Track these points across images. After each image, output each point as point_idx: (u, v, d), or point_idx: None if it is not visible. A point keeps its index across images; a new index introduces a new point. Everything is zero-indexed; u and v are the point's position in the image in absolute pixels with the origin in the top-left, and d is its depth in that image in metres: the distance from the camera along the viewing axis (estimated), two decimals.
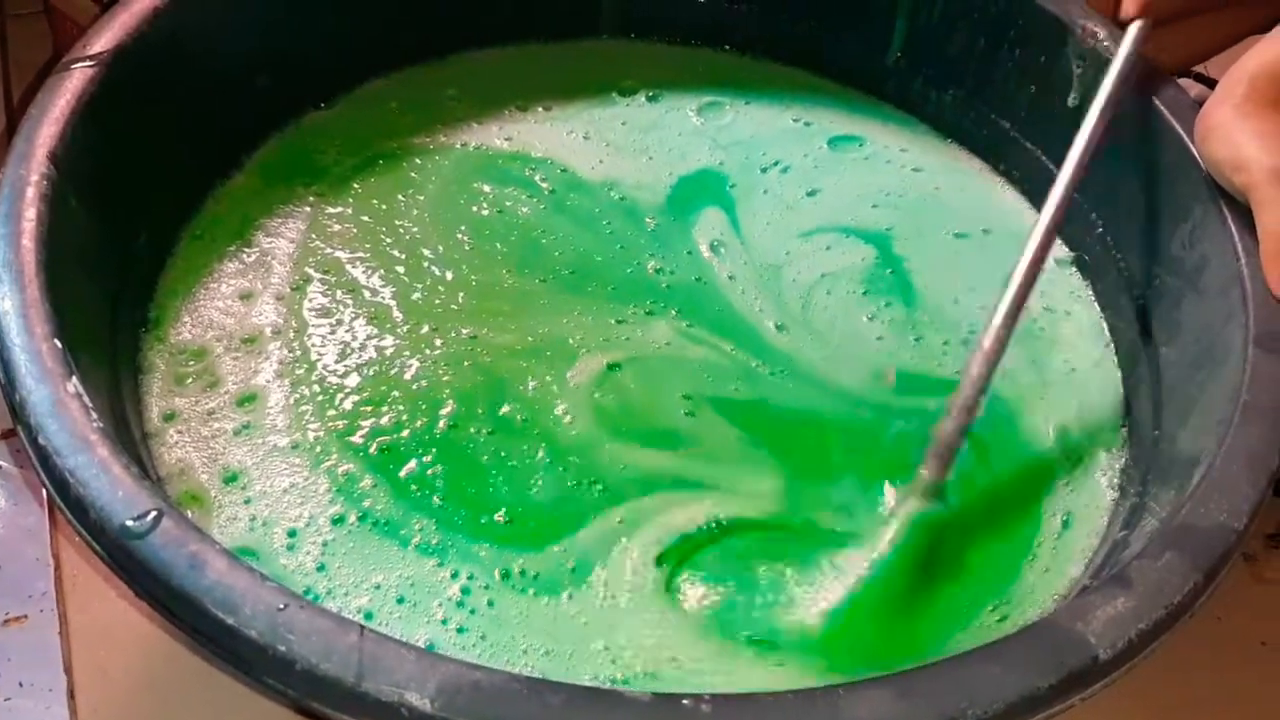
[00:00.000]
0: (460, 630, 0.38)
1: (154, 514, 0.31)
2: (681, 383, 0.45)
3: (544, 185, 0.52)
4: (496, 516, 0.41)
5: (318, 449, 0.42)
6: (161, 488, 0.40)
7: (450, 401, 0.44)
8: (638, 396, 0.45)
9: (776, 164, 0.55)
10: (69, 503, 0.32)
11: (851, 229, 0.53)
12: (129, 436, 0.39)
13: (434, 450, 0.42)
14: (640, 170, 0.54)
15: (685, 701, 0.29)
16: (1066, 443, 0.46)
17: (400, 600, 0.39)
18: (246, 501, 0.40)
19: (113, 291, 0.42)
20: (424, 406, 0.44)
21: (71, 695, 0.42)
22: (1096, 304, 0.50)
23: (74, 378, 0.34)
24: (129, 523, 0.31)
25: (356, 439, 0.42)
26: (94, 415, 0.33)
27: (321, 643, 0.29)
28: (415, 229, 0.50)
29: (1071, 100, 0.50)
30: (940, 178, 0.55)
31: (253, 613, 0.29)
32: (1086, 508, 0.43)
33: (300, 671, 0.29)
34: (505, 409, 0.44)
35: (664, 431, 0.44)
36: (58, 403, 0.33)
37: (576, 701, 0.29)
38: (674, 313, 0.48)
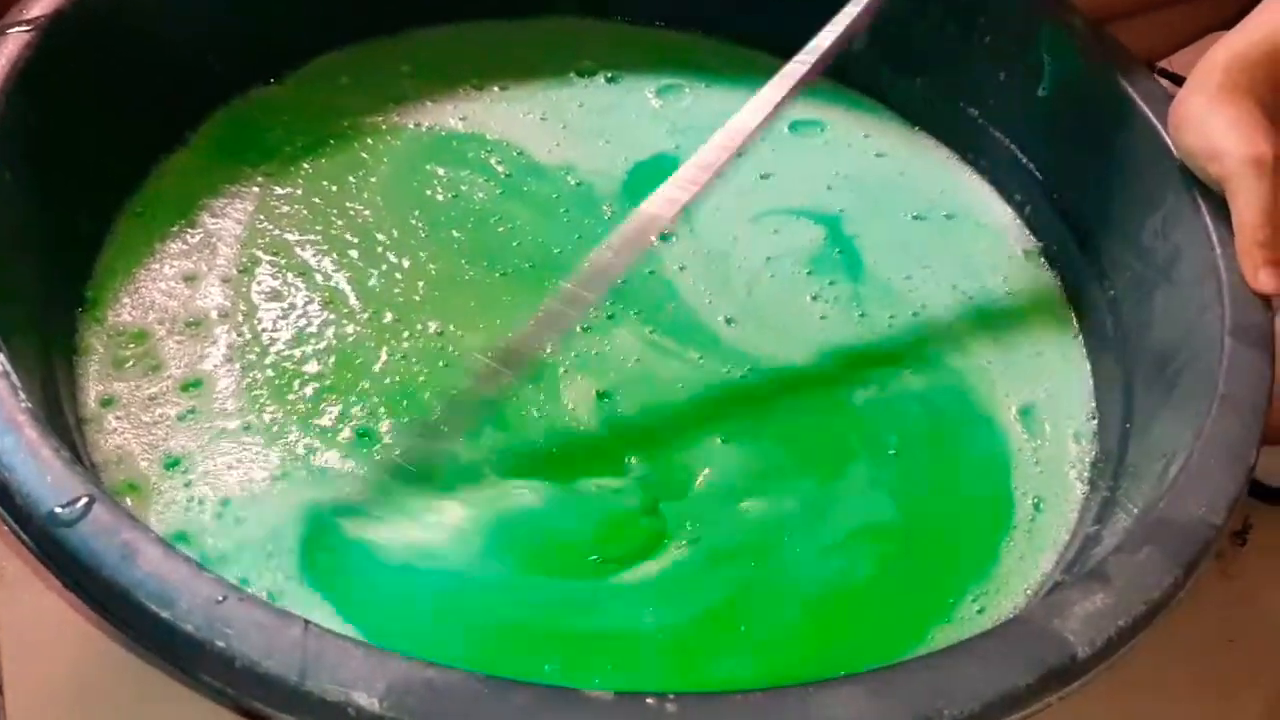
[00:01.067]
0: None
1: (85, 500, 0.29)
2: (667, 398, 0.44)
3: (500, 169, 0.51)
4: None
5: (274, 428, 0.40)
6: (96, 475, 0.38)
7: (435, 402, 0.42)
8: (637, 420, 0.43)
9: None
10: None
11: (803, 210, 0.52)
12: (62, 422, 0.37)
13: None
14: (597, 155, 0.52)
15: (649, 700, 0.27)
16: (1032, 428, 0.45)
17: None
18: (186, 484, 0.39)
19: (47, 269, 0.40)
20: (404, 403, 0.42)
21: (0, 691, 0.40)
22: (1065, 294, 0.49)
23: (2, 356, 0.32)
24: (57, 509, 0.29)
25: (325, 422, 0.41)
26: (23, 396, 0.31)
27: (263, 638, 0.27)
28: (368, 212, 0.48)
29: (1041, 91, 0.50)
30: (904, 164, 0.54)
31: (189, 606, 0.28)
32: (1056, 498, 0.43)
33: (240, 669, 0.27)
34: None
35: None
36: None
37: (536, 701, 0.27)
38: (634, 315, 0.46)
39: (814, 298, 0.49)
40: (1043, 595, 0.38)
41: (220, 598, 0.28)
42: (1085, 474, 0.43)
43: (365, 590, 0.37)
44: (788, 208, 0.52)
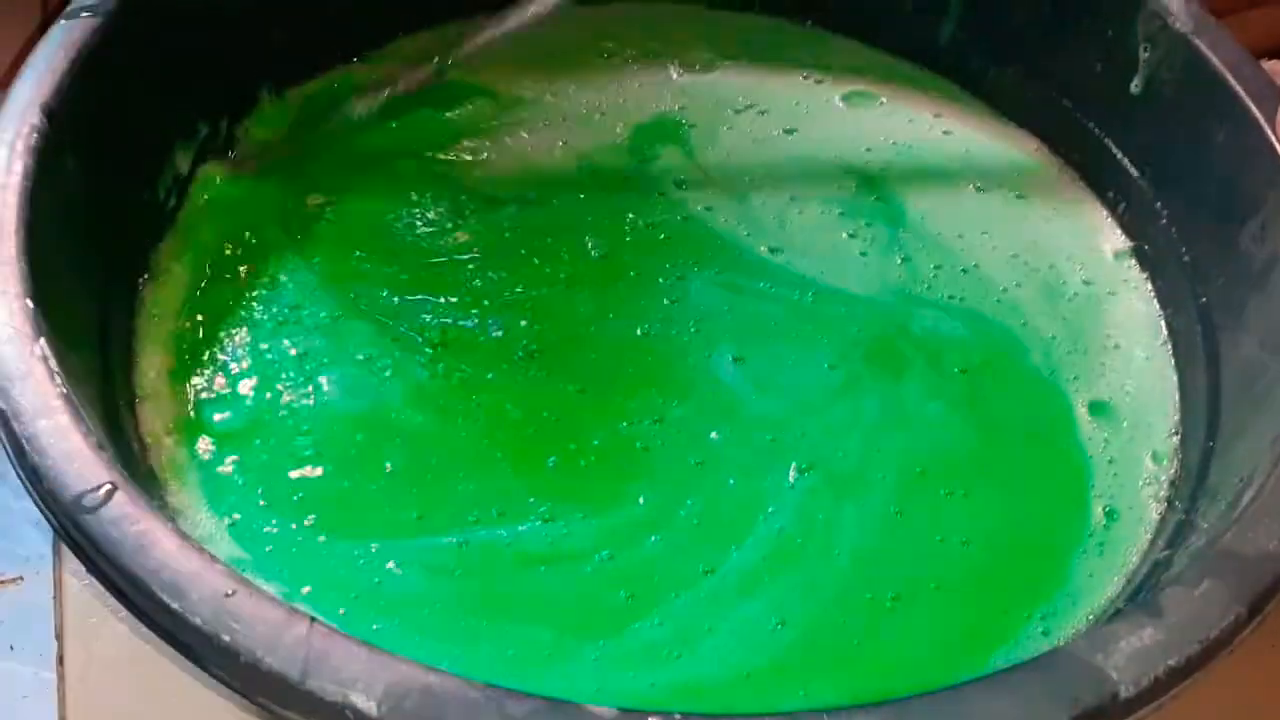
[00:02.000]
0: None
1: (108, 487, 0.30)
2: (784, 342, 0.44)
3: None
4: None
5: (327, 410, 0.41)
6: (144, 455, 0.38)
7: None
8: (782, 367, 0.43)
9: (752, 106, 0.53)
10: (25, 469, 0.31)
11: (832, 162, 0.50)
12: (112, 400, 0.38)
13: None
14: (595, 130, 0.51)
15: (653, 718, 0.27)
16: (1107, 426, 0.43)
17: None
18: (231, 463, 0.39)
19: (108, 248, 0.41)
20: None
21: (60, 661, 0.41)
22: (1156, 300, 0.47)
23: (42, 340, 0.32)
24: (81, 495, 0.29)
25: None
26: (59, 380, 0.32)
27: (267, 634, 0.27)
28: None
29: (1135, 86, 0.47)
30: (976, 143, 0.52)
31: (199, 598, 0.28)
32: (1129, 514, 0.40)
33: (244, 664, 0.27)
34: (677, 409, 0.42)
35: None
36: (22, 365, 0.32)
37: (534, 713, 0.27)
38: (696, 267, 0.46)
39: (851, 235, 0.48)
40: (1097, 625, 0.36)
41: (229, 591, 0.28)
42: (1162, 493, 0.41)
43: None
44: (814, 157, 0.51)
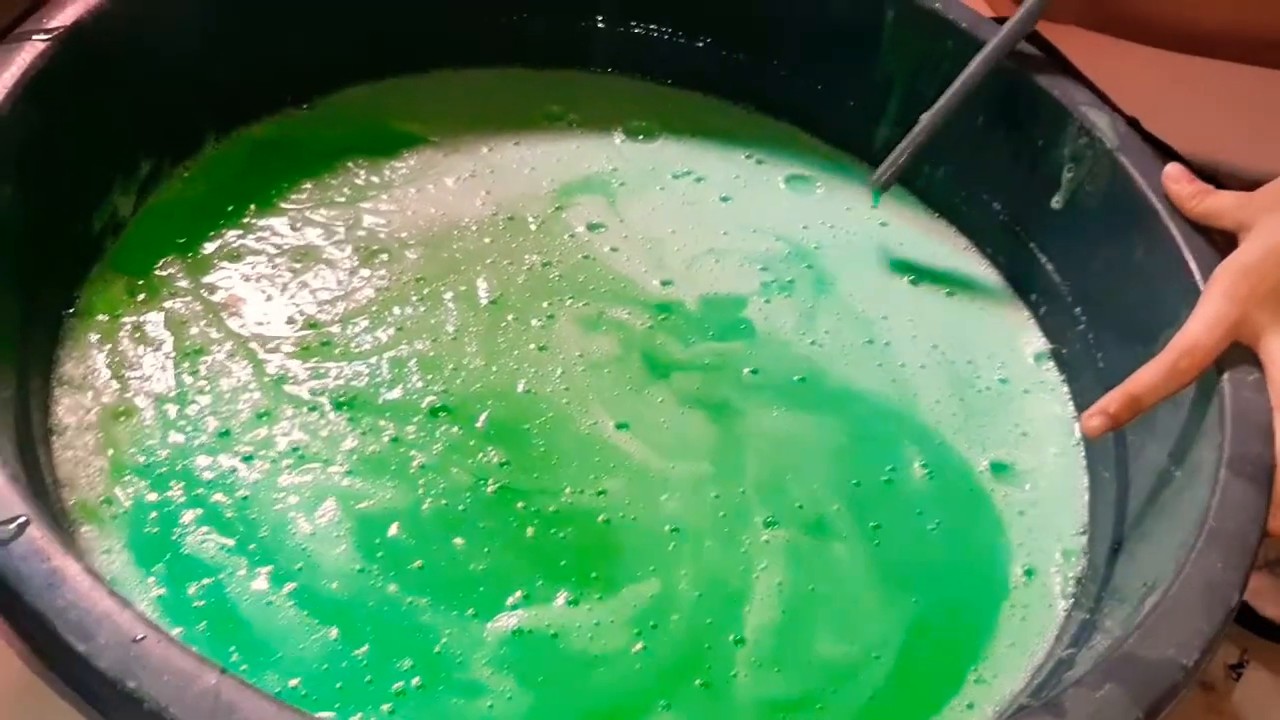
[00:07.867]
0: None
1: (20, 521, 0.29)
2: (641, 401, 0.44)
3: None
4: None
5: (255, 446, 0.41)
6: (56, 491, 0.37)
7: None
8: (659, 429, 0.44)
9: (690, 173, 0.54)
10: None
11: (765, 229, 0.52)
12: (28, 435, 0.37)
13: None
14: (522, 183, 0.52)
15: None
16: (1027, 526, 0.44)
17: None
18: (155, 508, 0.38)
19: (34, 280, 0.40)
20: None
21: None
22: (1071, 402, 0.48)
23: None
24: None
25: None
26: None
27: (174, 683, 0.27)
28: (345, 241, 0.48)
29: (1056, 202, 0.48)
30: (909, 237, 0.53)
31: (106, 642, 0.27)
32: (1035, 612, 0.41)
33: (148, 713, 0.26)
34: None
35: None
36: None
37: None
38: (570, 300, 0.47)
39: (764, 285, 0.49)
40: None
41: (138, 636, 0.27)
42: (1070, 590, 0.41)
43: None
44: (747, 222, 0.52)
